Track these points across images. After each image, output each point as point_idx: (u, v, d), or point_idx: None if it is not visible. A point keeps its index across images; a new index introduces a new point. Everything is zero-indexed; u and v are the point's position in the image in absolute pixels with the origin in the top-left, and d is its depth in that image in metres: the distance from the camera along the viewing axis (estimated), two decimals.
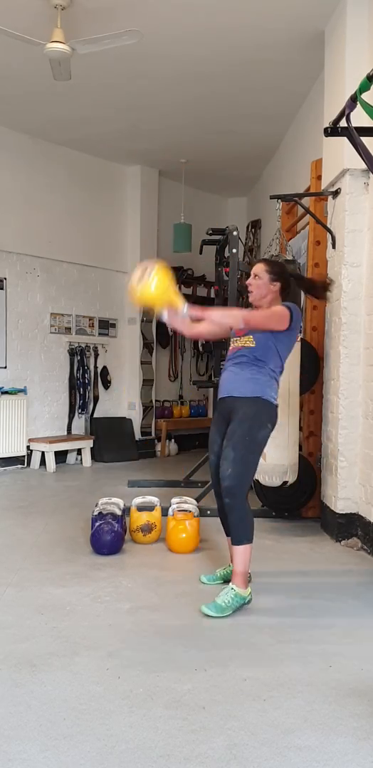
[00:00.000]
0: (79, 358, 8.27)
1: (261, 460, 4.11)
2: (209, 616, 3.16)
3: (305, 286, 3.89)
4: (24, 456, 7.51)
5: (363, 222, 4.56)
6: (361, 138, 2.62)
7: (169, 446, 9.09)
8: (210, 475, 3.63)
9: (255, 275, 3.51)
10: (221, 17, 4.96)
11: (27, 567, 3.90)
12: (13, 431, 7.36)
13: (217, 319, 3.35)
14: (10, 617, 3.11)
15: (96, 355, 8.51)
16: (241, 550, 3.29)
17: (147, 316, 8.81)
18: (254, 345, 3.38)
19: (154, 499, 4.59)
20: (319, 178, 5.19)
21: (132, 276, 3.11)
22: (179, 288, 9.23)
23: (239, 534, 3.30)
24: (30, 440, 7.56)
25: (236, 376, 3.41)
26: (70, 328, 8.24)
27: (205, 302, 9.46)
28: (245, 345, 3.41)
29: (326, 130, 3.09)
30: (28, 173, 7.70)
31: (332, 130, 3.02)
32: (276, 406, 3.43)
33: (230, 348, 3.54)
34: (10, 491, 6.29)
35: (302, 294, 4.99)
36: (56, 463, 7.52)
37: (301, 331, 4.93)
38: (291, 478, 4.57)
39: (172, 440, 9.18)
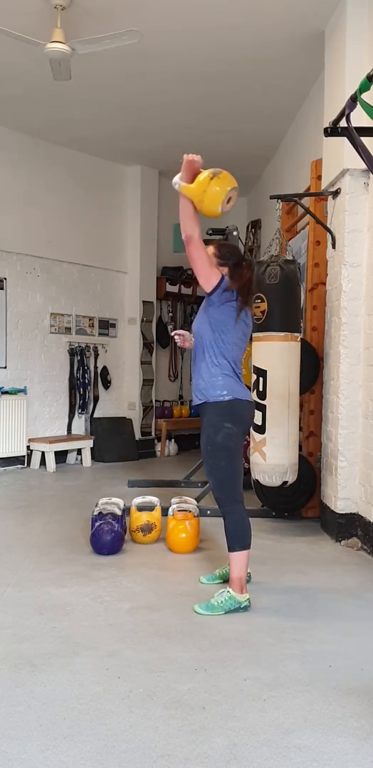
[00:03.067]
0: (79, 358, 8.27)
1: (261, 459, 4.11)
2: (199, 614, 3.17)
3: (245, 281, 3.35)
4: (24, 456, 7.51)
5: (363, 222, 4.56)
6: (361, 138, 2.62)
7: (169, 446, 9.09)
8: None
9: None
10: (221, 17, 4.96)
11: (27, 567, 3.90)
12: (13, 431, 7.36)
13: (181, 209, 3.24)
14: (10, 617, 3.11)
15: (96, 355, 8.52)
16: (234, 557, 3.29)
17: (147, 316, 8.81)
18: (193, 341, 3.40)
19: (154, 499, 4.59)
20: (319, 178, 5.19)
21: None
22: (179, 288, 9.26)
23: (231, 541, 3.30)
24: (30, 440, 7.56)
25: (193, 380, 3.42)
26: (70, 328, 8.25)
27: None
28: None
29: (326, 130, 3.09)
30: (28, 173, 7.70)
31: (332, 130, 3.02)
32: (227, 401, 3.24)
33: None
34: (10, 491, 6.29)
35: (302, 294, 4.99)
36: (56, 463, 7.52)
37: (301, 330, 4.94)
38: (291, 478, 4.57)
39: (172, 440, 9.18)
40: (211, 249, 3.40)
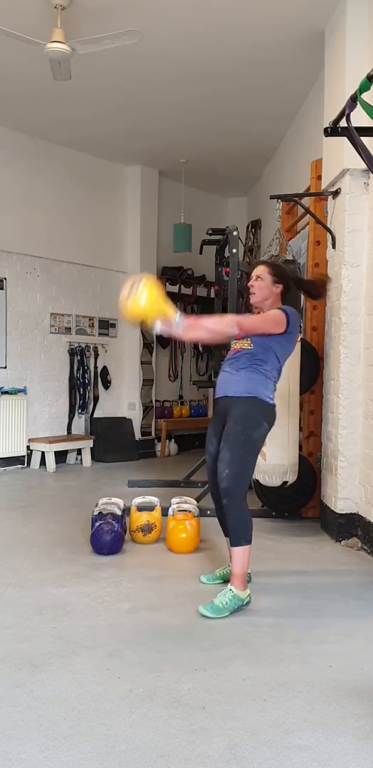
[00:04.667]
0: (79, 358, 8.27)
1: (261, 459, 4.12)
2: (206, 617, 3.15)
3: (306, 288, 3.88)
4: (24, 456, 7.51)
5: (363, 222, 4.56)
6: (361, 138, 2.62)
7: (169, 446, 9.09)
8: (207, 476, 3.64)
9: (257, 277, 3.50)
10: (221, 17, 4.96)
11: (27, 567, 3.90)
12: (13, 431, 7.36)
13: (210, 327, 3.27)
14: (10, 617, 3.11)
15: (96, 355, 8.51)
16: (238, 552, 3.28)
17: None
18: (251, 348, 3.39)
19: (154, 499, 4.59)
20: (319, 178, 5.19)
21: (121, 293, 3.03)
22: (179, 288, 9.25)
23: (236, 535, 3.29)
24: (30, 440, 7.56)
25: (232, 377, 3.41)
26: (70, 328, 8.25)
27: (205, 302, 9.50)
28: (243, 347, 3.42)
29: (326, 130, 3.09)
30: (28, 173, 7.70)
31: (332, 130, 3.03)
32: (273, 405, 3.42)
33: (230, 350, 3.54)
34: (10, 491, 6.29)
35: (302, 294, 4.99)
36: (56, 463, 7.52)
37: (301, 330, 4.94)
38: (291, 478, 4.57)
39: (172, 440, 9.18)
40: (264, 268, 3.53)
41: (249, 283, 3.57)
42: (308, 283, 3.98)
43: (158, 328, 3.10)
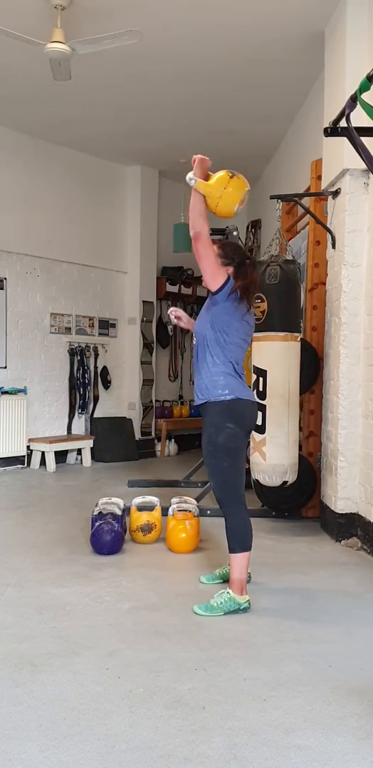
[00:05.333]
0: (79, 358, 8.27)
1: (261, 459, 4.10)
2: (198, 614, 3.17)
3: (248, 281, 3.33)
4: (24, 456, 7.51)
5: (363, 222, 4.56)
6: (361, 138, 2.62)
7: (169, 446, 9.09)
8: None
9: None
10: (221, 17, 4.96)
11: (27, 567, 3.90)
12: (13, 431, 7.36)
13: (191, 207, 3.24)
14: (10, 617, 3.11)
15: (96, 355, 8.52)
16: (234, 558, 3.28)
17: (147, 316, 8.81)
18: (195, 341, 3.38)
19: (154, 499, 4.59)
20: (319, 178, 5.19)
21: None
22: (179, 288, 9.26)
23: (232, 542, 3.29)
24: (30, 440, 7.56)
25: (195, 379, 3.42)
26: (70, 328, 8.25)
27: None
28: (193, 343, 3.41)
29: (326, 130, 3.09)
30: (28, 173, 7.70)
31: (332, 130, 3.02)
32: (231, 400, 3.23)
33: None
34: (10, 491, 6.29)
35: (302, 294, 4.99)
36: (56, 463, 7.52)
37: (301, 330, 4.94)
38: (291, 478, 4.57)
39: (172, 440, 9.18)
40: (214, 248, 3.35)
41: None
42: (249, 281, 3.35)
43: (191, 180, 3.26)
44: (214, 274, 3.20)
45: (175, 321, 3.65)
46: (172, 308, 3.69)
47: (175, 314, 3.64)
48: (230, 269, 3.26)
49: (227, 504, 3.29)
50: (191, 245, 3.28)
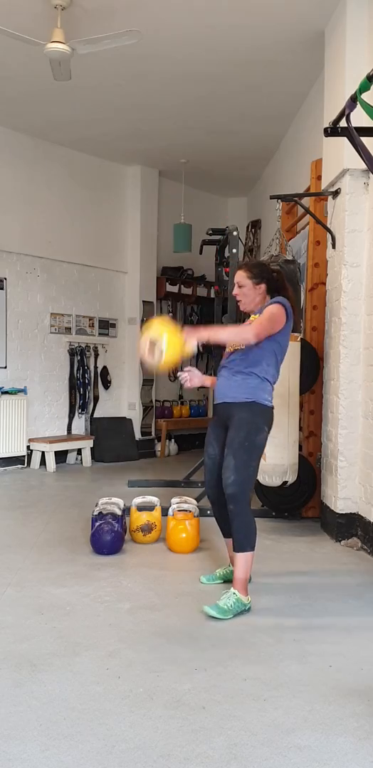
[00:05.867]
0: (79, 358, 8.27)
1: (261, 459, 4.10)
2: (212, 617, 3.15)
3: (280, 283, 3.59)
4: (24, 456, 7.51)
5: (363, 222, 4.56)
6: (361, 138, 2.62)
7: (169, 446, 9.09)
8: (204, 477, 3.65)
9: (238, 284, 3.49)
10: (221, 17, 4.96)
11: (27, 567, 3.90)
12: (13, 431, 7.36)
13: (230, 341, 3.38)
14: (10, 617, 3.11)
15: (96, 355, 8.51)
16: (242, 557, 3.28)
17: (147, 316, 8.81)
18: (243, 348, 3.37)
19: (154, 499, 4.59)
20: (319, 178, 5.19)
21: (141, 350, 3.17)
22: (179, 288, 9.25)
23: (241, 541, 3.28)
24: (30, 440, 7.55)
25: (228, 382, 3.40)
26: (70, 328, 8.25)
27: (205, 302, 9.51)
28: (236, 349, 3.41)
29: (326, 130, 3.09)
30: (28, 173, 7.70)
31: (332, 130, 3.03)
32: (271, 408, 3.41)
33: (224, 353, 3.53)
34: (10, 491, 6.29)
35: (302, 294, 4.99)
36: (56, 463, 7.52)
37: (301, 330, 4.94)
38: (291, 478, 4.57)
39: (172, 440, 9.18)
40: (242, 273, 3.49)
41: (233, 293, 3.55)
42: (282, 280, 3.65)
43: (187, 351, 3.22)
44: (278, 321, 3.33)
45: (186, 383, 3.58)
46: (181, 373, 3.59)
47: (187, 373, 3.57)
48: (263, 285, 3.45)
49: (242, 502, 3.28)
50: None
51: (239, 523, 3.28)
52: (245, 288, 3.47)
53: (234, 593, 3.23)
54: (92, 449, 8.07)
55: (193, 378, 3.57)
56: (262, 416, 3.36)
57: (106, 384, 8.63)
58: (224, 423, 3.42)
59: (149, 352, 3.14)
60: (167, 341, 3.12)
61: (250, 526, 3.30)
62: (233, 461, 3.28)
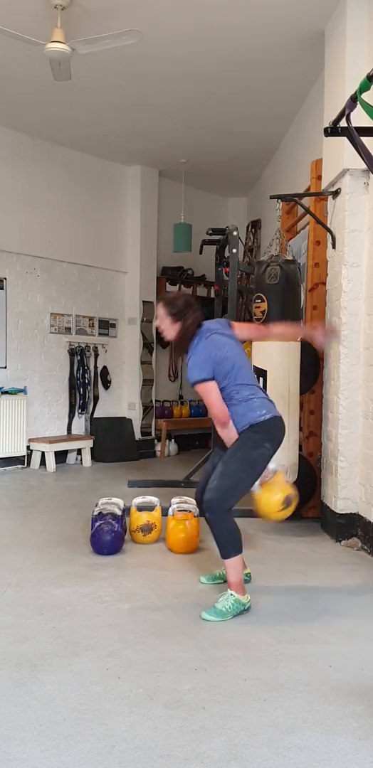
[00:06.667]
0: (79, 358, 8.27)
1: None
2: (208, 621, 3.14)
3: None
4: (24, 456, 7.50)
5: (363, 222, 4.56)
6: (361, 138, 2.62)
7: (169, 446, 9.09)
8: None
9: (160, 318, 3.46)
10: (221, 17, 4.96)
11: (27, 567, 3.90)
12: (13, 431, 7.36)
13: (227, 437, 3.35)
14: (10, 617, 3.11)
15: (96, 355, 8.51)
16: (230, 563, 3.26)
17: (147, 316, 8.82)
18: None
19: (154, 499, 4.59)
20: (319, 178, 5.19)
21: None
22: (179, 288, 9.26)
23: (224, 548, 3.26)
24: (30, 440, 7.55)
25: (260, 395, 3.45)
26: (70, 328, 8.24)
27: (205, 302, 9.49)
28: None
29: (326, 130, 3.09)
30: (28, 173, 7.70)
31: (332, 130, 3.03)
32: (269, 419, 3.29)
33: None
34: (10, 491, 6.29)
35: (302, 294, 4.99)
36: (56, 463, 7.52)
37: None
38: (291, 478, 4.57)
39: (172, 440, 9.18)
40: (161, 311, 3.45)
41: (156, 325, 3.53)
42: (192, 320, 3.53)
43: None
44: (209, 392, 3.31)
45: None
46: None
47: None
48: (178, 324, 3.38)
49: (217, 510, 3.22)
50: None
51: (217, 532, 3.25)
52: (165, 323, 3.43)
53: (231, 594, 3.22)
54: (92, 449, 8.07)
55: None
56: (260, 431, 3.26)
57: (106, 384, 8.63)
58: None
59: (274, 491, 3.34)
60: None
61: (230, 532, 3.25)
62: (220, 467, 3.28)
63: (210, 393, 3.29)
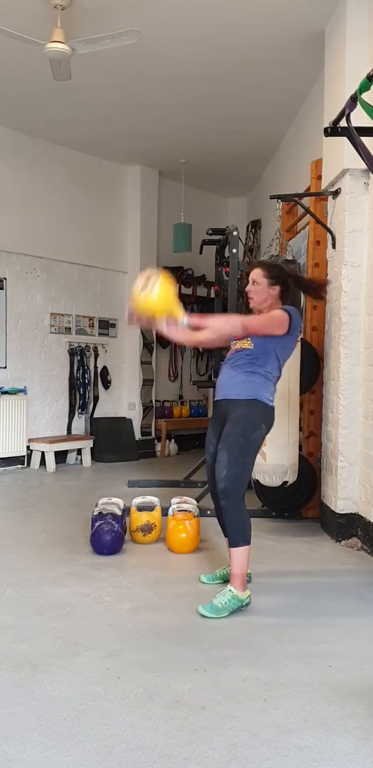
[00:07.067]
0: (79, 358, 8.27)
1: (261, 459, 4.12)
2: (205, 616, 3.15)
3: (304, 286, 3.84)
4: (24, 456, 7.50)
5: (363, 222, 4.56)
6: (361, 138, 2.62)
7: (169, 446, 9.09)
8: (206, 475, 3.64)
9: (254, 281, 3.50)
10: (221, 17, 4.96)
11: (27, 567, 3.90)
12: (13, 431, 7.36)
13: (216, 327, 3.31)
14: (10, 617, 3.11)
15: (96, 355, 8.51)
16: (237, 553, 3.27)
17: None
18: (251, 347, 3.37)
19: (154, 499, 4.59)
20: (319, 178, 5.19)
21: (135, 283, 3.13)
22: (179, 288, 9.26)
23: (234, 536, 3.28)
24: (30, 440, 7.55)
25: (231, 379, 3.41)
26: (70, 328, 8.25)
27: (205, 302, 9.50)
28: (243, 347, 3.40)
29: (326, 130, 3.09)
30: (28, 173, 7.70)
31: (332, 130, 3.02)
32: (272, 407, 3.41)
33: (230, 350, 3.54)
34: (10, 491, 6.29)
35: (302, 294, 4.99)
36: (56, 463, 7.52)
37: (301, 331, 4.94)
38: (291, 478, 4.57)
39: (172, 440, 9.18)
40: (259, 271, 3.50)
41: (246, 288, 3.56)
42: (306, 281, 3.98)
43: (163, 326, 3.20)
44: (278, 326, 3.34)
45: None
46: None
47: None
48: (277, 288, 3.46)
49: (234, 497, 3.27)
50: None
51: (230, 519, 3.28)
52: (259, 286, 3.48)
53: (230, 590, 3.23)
54: (92, 449, 8.07)
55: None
56: (262, 414, 3.35)
57: (106, 384, 8.63)
58: (223, 419, 3.41)
59: (142, 286, 3.10)
60: (162, 284, 3.11)
61: (243, 520, 3.29)
62: (226, 455, 3.28)
63: (276, 323, 3.32)
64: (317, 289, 3.74)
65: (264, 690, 2.45)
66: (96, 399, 8.48)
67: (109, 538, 4.17)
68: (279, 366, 3.44)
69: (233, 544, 3.29)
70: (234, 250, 5.52)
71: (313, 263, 5.26)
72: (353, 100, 2.57)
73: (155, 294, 3.08)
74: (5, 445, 7.28)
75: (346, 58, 4.51)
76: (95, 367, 8.51)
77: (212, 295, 7.87)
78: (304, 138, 6.52)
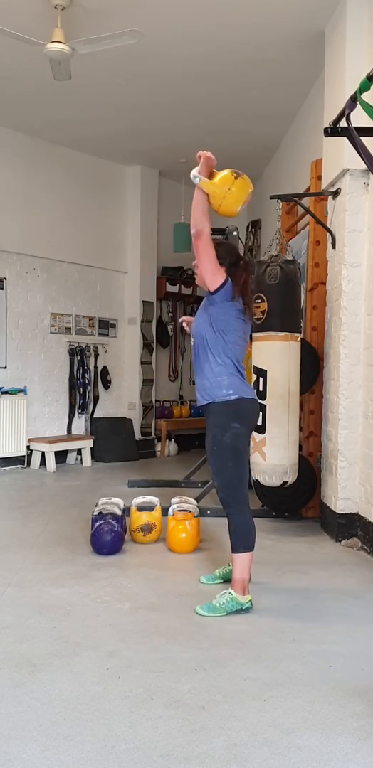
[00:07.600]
0: (79, 358, 8.27)
1: (261, 459, 4.10)
2: (201, 615, 3.16)
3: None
4: (24, 456, 7.50)
5: (363, 222, 4.56)
6: (361, 138, 2.62)
7: (169, 446, 9.09)
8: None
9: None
10: (221, 17, 4.96)
11: (27, 567, 3.90)
12: (13, 431, 7.36)
13: (193, 205, 3.21)
14: (10, 617, 3.11)
15: (96, 355, 8.51)
16: (238, 559, 3.27)
17: (147, 316, 8.83)
18: (193, 342, 3.36)
19: (154, 499, 4.59)
20: (319, 178, 5.19)
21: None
22: (179, 288, 9.27)
23: (235, 542, 3.28)
24: (30, 440, 7.55)
25: (197, 382, 3.38)
26: (70, 328, 8.25)
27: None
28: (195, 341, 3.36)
29: (326, 130, 3.09)
30: (28, 173, 7.70)
31: (332, 130, 3.02)
32: (235, 400, 3.21)
33: None
34: (10, 491, 6.29)
35: (302, 294, 4.99)
36: (56, 463, 7.52)
37: (301, 330, 4.94)
38: (291, 478, 4.57)
39: (172, 440, 9.18)
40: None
41: (193, 263, 3.38)
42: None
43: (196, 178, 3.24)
44: (214, 274, 3.20)
45: (187, 328, 3.62)
46: (181, 318, 3.75)
47: (186, 321, 3.63)
48: (223, 269, 3.25)
49: (231, 504, 3.27)
50: (191, 243, 3.27)
51: (231, 525, 3.29)
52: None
53: (230, 592, 3.23)
54: (92, 449, 8.07)
55: (191, 323, 3.54)
56: (226, 415, 3.21)
57: (106, 384, 8.63)
58: None
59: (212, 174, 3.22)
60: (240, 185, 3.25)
61: (245, 527, 3.27)
62: (211, 468, 3.35)
63: (213, 265, 3.18)
64: (242, 292, 3.31)
65: (264, 690, 2.45)
66: (96, 399, 8.48)
67: (109, 538, 4.17)
68: (223, 340, 3.22)
69: (233, 549, 3.29)
70: None
71: (313, 263, 5.26)
72: (353, 100, 2.57)
73: (231, 193, 3.22)
74: (5, 445, 7.28)
75: (346, 58, 4.51)
76: (95, 367, 8.52)
77: None
78: (304, 138, 6.52)
